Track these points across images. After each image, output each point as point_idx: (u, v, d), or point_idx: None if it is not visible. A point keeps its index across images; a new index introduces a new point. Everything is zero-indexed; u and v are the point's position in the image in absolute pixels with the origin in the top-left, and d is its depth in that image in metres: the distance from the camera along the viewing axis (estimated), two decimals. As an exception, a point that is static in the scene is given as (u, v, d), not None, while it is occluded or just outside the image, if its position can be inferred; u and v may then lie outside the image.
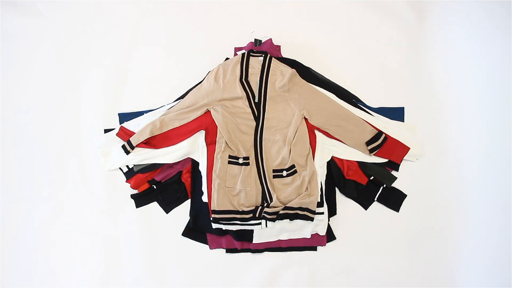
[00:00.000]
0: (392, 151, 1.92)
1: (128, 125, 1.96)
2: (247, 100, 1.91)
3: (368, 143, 1.89)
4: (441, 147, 2.00)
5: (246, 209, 1.83)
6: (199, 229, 1.91)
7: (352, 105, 1.98)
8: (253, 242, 1.87)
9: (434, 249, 1.92)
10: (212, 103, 1.90)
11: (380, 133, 1.90)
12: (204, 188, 1.88)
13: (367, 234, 1.93)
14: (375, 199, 1.95)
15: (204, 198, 1.88)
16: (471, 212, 1.93)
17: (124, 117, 2.01)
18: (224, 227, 1.84)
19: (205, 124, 1.90)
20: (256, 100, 1.91)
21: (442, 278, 1.89)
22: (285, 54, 2.07)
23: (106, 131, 2.00)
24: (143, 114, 1.99)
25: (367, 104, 2.02)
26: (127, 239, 1.93)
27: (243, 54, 1.95)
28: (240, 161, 1.86)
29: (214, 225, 1.84)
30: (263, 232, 1.86)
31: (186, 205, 1.95)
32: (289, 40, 2.09)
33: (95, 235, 1.94)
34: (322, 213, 1.84)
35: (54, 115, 2.04)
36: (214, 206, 1.82)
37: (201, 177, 1.90)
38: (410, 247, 1.92)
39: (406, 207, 1.95)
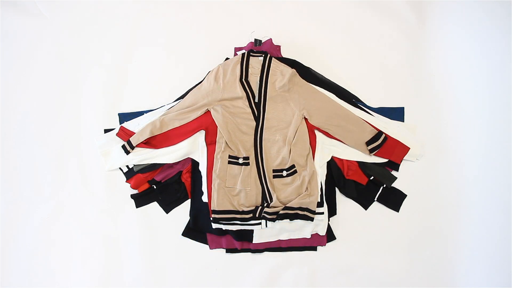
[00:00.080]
0: (392, 151, 1.92)
1: (128, 125, 1.96)
2: (247, 100, 1.91)
3: (368, 143, 1.89)
4: (441, 147, 2.00)
5: (246, 209, 1.83)
6: (199, 229, 1.91)
7: (352, 105, 1.98)
8: (253, 242, 1.87)
9: (434, 249, 1.92)
10: (212, 103, 1.90)
11: (380, 133, 1.90)
12: (204, 188, 1.88)
13: (367, 234, 1.93)
14: (375, 199, 1.95)
15: (204, 198, 1.88)
16: (471, 212, 1.93)
17: (124, 117, 2.01)
18: (224, 227, 1.84)
19: (205, 124, 1.90)
20: (256, 100, 1.91)
21: (442, 278, 1.89)
22: (285, 54, 2.07)
23: (106, 131, 2.00)
24: (143, 114, 1.99)
25: (367, 104, 2.02)
26: (127, 239, 1.93)
27: (243, 54, 1.95)
28: (240, 161, 1.86)
29: (214, 225, 1.84)
30: (263, 232, 1.86)
31: (186, 205, 1.95)
32: (289, 40, 2.10)
33: (95, 235, 1.94)
34: (322, 213, 1.84)
35: (54, 115, 2.05)
36: (214, 206, 1.82)
37: (201, 177, 1.90)
38: (410, 247, 1.92)
39: (406, 207, 1.95)
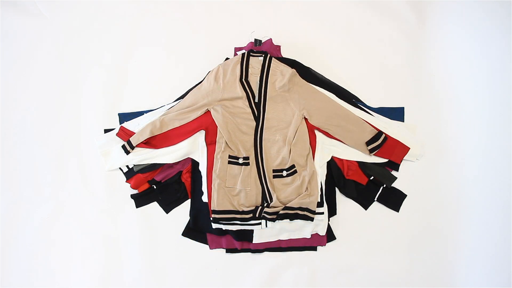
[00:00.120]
0: (392, 151, 1.92)
1: (128, 125, 1.96)
2: (247, 100, 1.91)
3: (368, 143, 1.89)
4: (441, 147, 2.00)
5: (246, 209, 1.83)
6: (199, 229, 1.91)
7: (352, 105, 1.98)
8: (253, 242, 1.87)
9: (434, 249, 1.92)
10: (212, 103, 1.90)
11: (380, 133, 1.90)
12: (204, 188, 1.88)
13: (367, 234, 1.93)
14: (375, 199, 1.95)
15: (204, 198, 1.88)
16: (471, 212, 1.93)
17: (124, 117, 2.01)
18: (224, 227, 1.84)
19: (205, 124, 1.90)
20: (256, 100, 1.91)
21: (442, 278, 1.89)
22: (285, 54, 2.07)
23: (106, 131, 2.00)
24: (143, 114, 1.99)
25: (367, 104, 2.02)
26: (127, 239, 1.93)
27: (243, 54, 1.95)
28: (240, 161, 1.86)
29: (214, 225, 1.84)
30: (263, 232, 1.86)
31: (186, 205, 1.95)
32: (289, 40, 2.09)
33: (95, 235, 1.94)
34: (322, 213, 1.84)
35: (54, 115, 2.05)
36: (214, 206, 1.82)
37: (201, 177, 1.90)
38: (410, 247, 1.92)
39: (406, 207, 1.95)
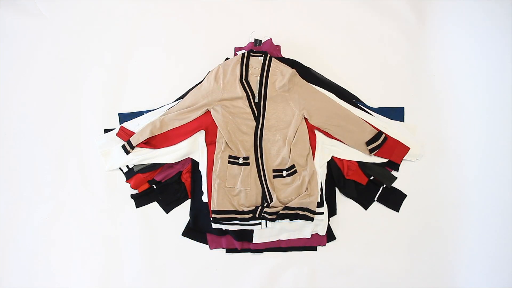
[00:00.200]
0: (392, 151, 1.92)
1: (128, 125, 1.96)
2: (247, 100, 1.91)
3: (368, 143, 1.89)
4: (441, 147, 2.00)
5: (246, 209, 1.83)
6: (199, 229, 1.91)
7: (352, 105, 1.98)
8: (253, 242, 1.87)
9: (434, 249, 1.92)
10: (212, 103, 1.90)
11: (380, 133, 1.90)
12: (204, 188, 1.88)
13: (367, 234, 1.93)
14: (375, 199, 1.95)
15: (204, 198, 1.88)
16: (471, 212, 1.93)
17: (124, 117, 2.01)
18: (224, 227, 1.84)
19: (205, 124, 1.90)
20: (256, 100, 1.91)
21: (442, 278, 1.89)
22: (285, 54, 2.07)
23: (106, 131, 2.00)
24: (143, 114, 1.99)
25: (367, 104, 2.02)
26: (127, 239, 1.93)
27: (243, 54, 1.95)
28: (240, 161, 1.86)
29: (214, 225, 1.84)
30: (263, 232, 1.86)
31: (186, 205, 1.95)
32: (289, 40, 2.09)
33: (95, 235, 1.94)
34: (322, 213, 1.84)
35: (54, 115, 2.05)
36: (214, 206, 1.82)
37: (201, 177, 1.90)
38: (410, 247, 1.92)
39: (406, 207, 1.95)
